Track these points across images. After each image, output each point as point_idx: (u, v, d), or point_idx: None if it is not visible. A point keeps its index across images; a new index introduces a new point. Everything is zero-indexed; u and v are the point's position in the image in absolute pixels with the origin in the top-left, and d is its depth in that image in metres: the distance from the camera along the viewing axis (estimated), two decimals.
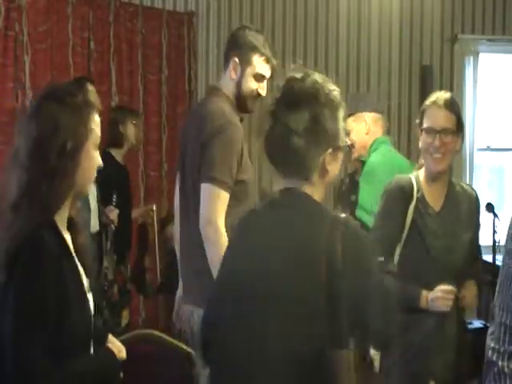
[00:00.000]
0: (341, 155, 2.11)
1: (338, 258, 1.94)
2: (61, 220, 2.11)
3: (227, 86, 3.36)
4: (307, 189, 2.09)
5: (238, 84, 3.34)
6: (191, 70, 6.26)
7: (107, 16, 5.85)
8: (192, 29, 6.25)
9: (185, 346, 3.09)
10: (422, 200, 3.04)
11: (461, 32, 6.91)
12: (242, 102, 3.34)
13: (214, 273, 2.93)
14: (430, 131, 3.01)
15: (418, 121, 3.08)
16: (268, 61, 3.37)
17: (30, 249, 1.98)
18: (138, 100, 5.98)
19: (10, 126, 5.26)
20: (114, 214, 4.99)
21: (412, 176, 3.10)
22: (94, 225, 4.83)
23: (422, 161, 3.13)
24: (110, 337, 2.38)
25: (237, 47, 3.37)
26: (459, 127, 3.06)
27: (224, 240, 3.02)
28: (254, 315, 2.03)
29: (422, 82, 6.81)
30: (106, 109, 5.78)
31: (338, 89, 2.13)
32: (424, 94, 6.74)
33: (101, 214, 4.91)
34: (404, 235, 3.00)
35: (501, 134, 7.06)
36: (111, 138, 5.27)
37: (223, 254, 2.87)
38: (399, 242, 3.00)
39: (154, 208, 5.63)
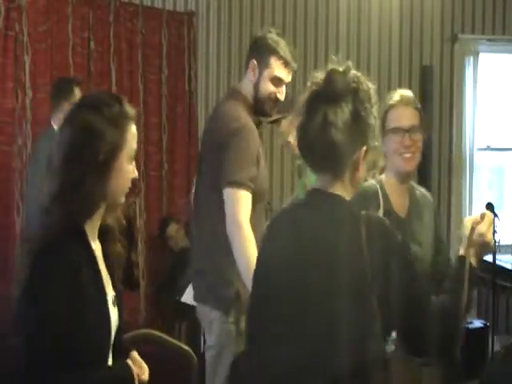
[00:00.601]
0: (370, 155, 2.09)
1: (367, 254, 1.93)
2: (91, 228, 2.09)
3: (246, 87, 3.35)
4: (337, 186, 2.05)
5: (256, 86, 3.32)
6: (191, 69, 6.26)
7: (107, 16, 5.85)
8: (192, 29, 6.25)
9: (185, 346, 3.09)
10: (387, 207, 2.90)
11: (461, 32, 6.91)
12: (260, 104, 3.32)
13: (242, 274, 2.98)
14: (399, 131, 2.88)
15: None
16: (286, 65, 3.35)
17: (50, 253, 1.98)
18: (138, 100, 5.98)
19: (10, 126, 5.27)
20: None
21: (375, 182, 2.94)
22: None
23: (381, 164, 2.96)
24: (135, 355, 2.36)
25: (256, 49, 3.35)
26: (422, 124, 2.97)
27: (250, 241, 3.01)
28: (292, 314, 2.01)
29: (421, 81, 6.81)
30: None
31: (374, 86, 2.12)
32: (424, 94, 6.75)
33: None
34: None
35: (501, 133, 7.06)
36: None
37: (251, 254, 2.90)
38: None
39: (136, 202, 5.60)
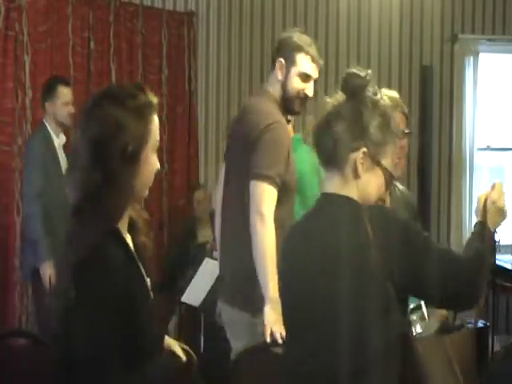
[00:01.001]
0: (378, 171, 2.13)
1: (376, 247, 2.00)
2: (122, 224, 2.05)
3: (273, 87, 3.35)
4: (343, 186, 2.11)
5: (284, 85, 3.32)
6: (191, 69, 6.26)
7: (107, 16, 5.86)
8: (192, 29, 6.26)
9: (185, 346, 3.08)
10: None
11: (461, 32, 6.91)
12: (288, 102, 3.31)
13: (256, 264, 3.01)
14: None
15: None
16: (313, 60, 3.32)
17: (96, 263, 1.92)
18: None
19: (10, 126, 5.27)
20: None
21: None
22: None
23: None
24: (166, 338, 2.35)
25: (282, 48, 3.36)
26: (408, 128, 2.97)
27: (269, 232, 3.03)
28: (309, 319, 2.09)
29: (421, 82, 6.81)
30: None
31: (389, 103, 2.23)
32: (424, 94, 6.76)
33: None
34: None
35: (501, 133, 7.06)
36: None
37: (268, 246, 2.96)
38: None
39: None
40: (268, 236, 3.02)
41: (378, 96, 2.16)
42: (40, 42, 5.43)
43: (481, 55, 6.92)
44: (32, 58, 5.36)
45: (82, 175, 1.97)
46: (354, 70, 2.19)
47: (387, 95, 2.88)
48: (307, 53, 3.30)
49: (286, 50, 3.34)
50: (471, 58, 6.88)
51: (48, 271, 4.63)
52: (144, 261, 2.12)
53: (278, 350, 2.86)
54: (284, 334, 2.92)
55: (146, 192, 2.10)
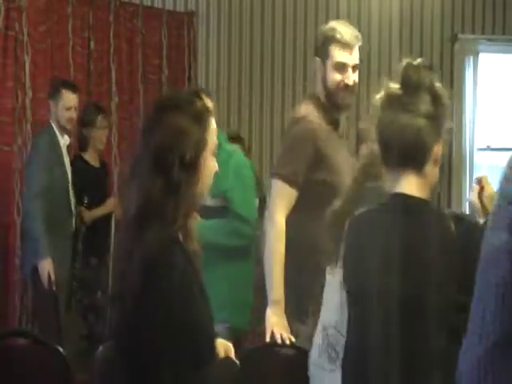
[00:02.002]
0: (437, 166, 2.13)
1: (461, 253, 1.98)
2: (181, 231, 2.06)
3: (317, 88, 3.27)
4: (419, 187, 2.10)
5: (324, 82, 3.22)
6: (191, 69, 6.26)
7: (107, 16, 5.86)
8: (192, 29, 6.26)
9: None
10: None
11: (461, 32, 6.91)
12: (331, 98, 3.20)
13: (264, 265, 3.01)
14: None
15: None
16: (346, 47, 3.18)
17: (163, 267, 1.93)
18: (138, 100, 5.98)
19: (10, 126, 5.27)
20: (85, 215, 5.09)
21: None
22: (73, 225, 4.95)
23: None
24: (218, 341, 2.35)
25: (316, 47, 3.28)
26: None
27: (277, 235, 3.00)
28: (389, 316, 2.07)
29: None
30: (105, 109, 5.79)
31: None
32: None
33: (77, 216, 5.01)
34: None
35: (501, 133, 7.06)
36: (77, 141, 5.31)
37: (275, 249, 2.95)
38: None
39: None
40: (276, 239, 3.00)
41: (438, 85, 2.12)
42: (40, 42, 5.43)
43: (481, 55, 6.92)
44: (32, 58, 5.36)
45: (143, 182, 1.98)
46: (415, 63, 2.14)
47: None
48: (338, 41, 3.18)
49: (319, 47, 3.25)
50: (471, 58, 6.88)
51: (46, 268, 4.65)
52: (198, 267, 2.12)
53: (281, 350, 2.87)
54: (285, 336, 2.93)
55: (204, 197, 2.12)
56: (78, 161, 5.19)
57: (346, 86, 3.19)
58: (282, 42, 6.57)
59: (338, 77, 3.19)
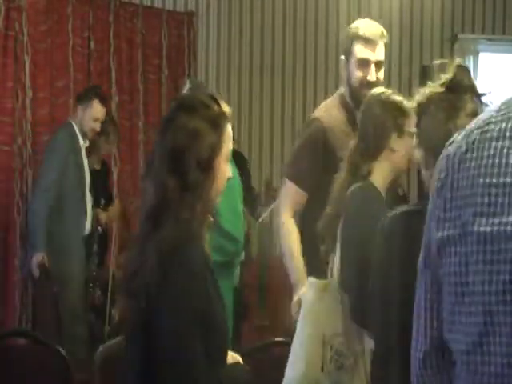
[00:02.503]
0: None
1: None
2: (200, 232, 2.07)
3: (344, 87, 3.26)
4: None
5: (348, 80, 3.21)
6: (191, 69, 6.26)
7: (107, 16, 5.85)
8: (192, 29, 6.25)
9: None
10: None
11: (461, 32, 6.91)
12: (355, 96, 3.14)
13: (284, 261, 3.09)
14: (411, 134, 2.73)
15: (400, 121, 2.80)
16: (368, 42, 3.16)
17: (180, 267, 1.94)
18: (137, 100, 5.98)
19: (10, 126, 5.27)
20: (101, 216, 5.17)
21: (367, 186, 2.79)
22: (88, 228, 4.97)
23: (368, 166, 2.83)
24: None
25: (342, 46, 3.29)
26: None
27: (284, 233, 3.09)
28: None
29: (422, 82, 6.81)
30: (107, 109, 5.79)
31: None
32: None
33: (94, 217, 5.05)
34: None
35: None
36: None
37: (286, 243, 3.05)
38: None
39: (133, 201, 5.56)
40: (285, 238, 3.09)
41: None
42: (40, 41, 5.43)
43: (481, 55, 6.91)
44: (32, 58, 5.36)
45: (159, 181, 2.00)
46: (460, 64, 2.21)
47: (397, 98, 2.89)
48: (360, 37, 3.16)
49: (343, 45, 3.25)
50: (471, 58, 6.88)
51: (39, 261, 4.67)
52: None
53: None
54: None
55: (218, 200, 2.13)
56: None
57: (369, 82, 3.15)
58: (282, 41, 6.57)
59: (360, 74, 3.16)
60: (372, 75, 3.17)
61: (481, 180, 1.26)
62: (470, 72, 2.20)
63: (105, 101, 5.12)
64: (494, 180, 1.24)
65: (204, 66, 6.38)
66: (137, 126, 5.97)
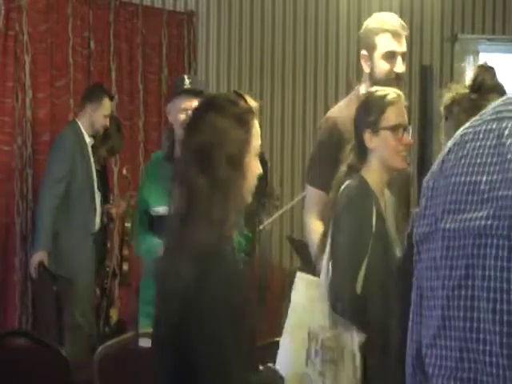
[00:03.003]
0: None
1: None
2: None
3: (365, 82, 3.21)
4: None
5: (372, 74, 3.16)
6: (191, 69, 6.25)
7: (107, 16, 5.85)
8: (192, 29, 6.25)
9: None
10: (376, 204, 2.79)
11: (461, 32, 6.91)
12: None
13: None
14: (399, 128, 2.81)
15: (371, 118, 2.81)
16: (394, 34, 3.13)
17: (216, 273, 1.92)
18: (138, 100, 5.98)
19: (10, 126, 5.27)
20: (113, 211, 5.23)
21: (358, 179, 2.81)
22: (98, 224, 5.00)
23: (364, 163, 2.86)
24: None
25: (362, 40, 3.23)
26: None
27: (308, 230, 3.15)
28: None
29: (422, 81, 6.81)
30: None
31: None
32: (424, 94, 6.74)
33: (103, 214, 5.09)
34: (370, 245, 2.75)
35: None
36: None
37: (312, 246, 3.04)
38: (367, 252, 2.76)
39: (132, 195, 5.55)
40: (309, 238, 3.13)
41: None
42: (40, 41, 5.43)
43: (481, 55, 6.91)
44: (32, 58, 5.36)
45: (188, 182, 1.98)
46: (485, 65, 2.22)
47: (395, 91, 2.89)
48: (385, 30, 3.13)
49: (364, 40, 3.20)
50: (471, 58, 6.88)
51: (39, 260, 4.68)
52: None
53: None
54: None
55: (250, 198, 2.10)
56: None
57: (397, 74, 3.13)
58: (282, 41, 6.57)
59: (387, 66, 3.13)
60: (399, 66, 3.15)
61: (453, 179, 1.31)
62: (494, 72, 2.19)
63: (112, 97, 5.24)
64: (463, 178, 1.29)
65: (204, 66, 6.37)
66: (137, 126, 5.97)
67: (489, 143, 1.28)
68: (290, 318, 2.81)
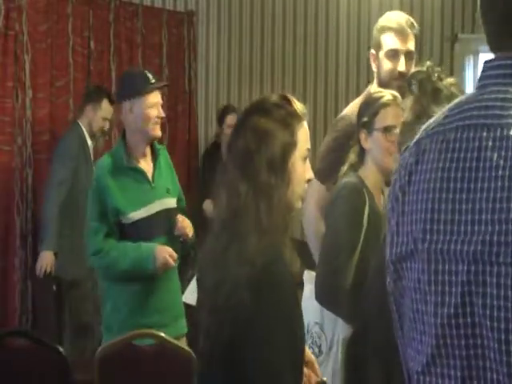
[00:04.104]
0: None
1: None
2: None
3: (375, 83, 3.20)
4: None
5: (378, 73, 3.16)
6: (191, 69, 6.26)
7: (107, 16, 5.85)
8: (192, 29, 6.25)
9: (185, 347, 3.09)
10: (371, 203, 2.82)
11: (461, 32, 6.91)
12: (385, 89, 3.03)
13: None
14: (392, 129, 2.80)
15: (365, 119, 2.84)
16: (397, 33, 3.12)
17: (271, 279, 1.86)
18: None
19: (10, 126, 5.26)
20: None
21: (355, 178, 2.84)
22: None
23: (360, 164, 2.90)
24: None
25: (372, 40, 3.23)
26: None
27: (306, 221, 3.13)
28: None
29: None
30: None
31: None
32: None
33: None
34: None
35: None
36: None
37: (311, 239, 3.06)
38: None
39: None
40: (307, 230, 3.14)
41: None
42: (40, 41, 5.43)
43: (481, 55, 6.91)
44: (32, 58, 5.36)
45: (232, 189, 1.93)
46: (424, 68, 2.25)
47: (391, 92, 2.90)
48: (389, 29, 3.13)
49: (373, 39, 3.21)
50: (471, 58, 6.88)
51: (47, 260, 4.66)
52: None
53: None
54: None
55: (300, 203, 2.03)
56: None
57: (400, 73, 3.09)
58: (282, 41, 6.57)
59: (389, 65, 3.11)
60: (401, 66, 3.10)
61: (430, 195, 1.23)
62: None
63: (113, 101, 5.14)
64: (444, 195, 1.22)
65: (204, 66, 6.37)
66: None
67: (469, 155, 1.20)
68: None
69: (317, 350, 2.75)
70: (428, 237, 1.23)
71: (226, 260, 1.87)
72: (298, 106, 2.05)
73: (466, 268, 1.18)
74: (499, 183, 1.15)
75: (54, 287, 4.75)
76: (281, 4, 6.56)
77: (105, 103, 5.08)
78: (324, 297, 2.71)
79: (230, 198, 1.93)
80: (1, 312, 5.23)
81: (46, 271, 4.72)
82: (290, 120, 2.00)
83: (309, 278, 2.92)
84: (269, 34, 6.50)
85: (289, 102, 2.04)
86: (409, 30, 3.14)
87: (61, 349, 3.11)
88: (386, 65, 3.12)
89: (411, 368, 1.29)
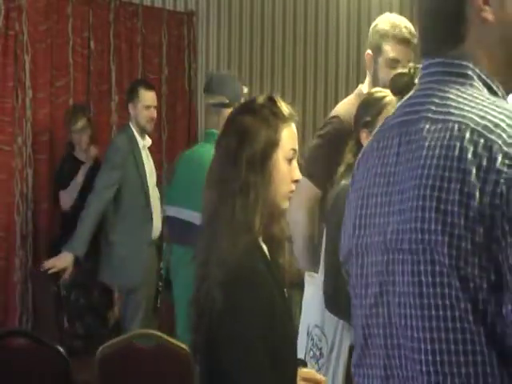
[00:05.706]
0: None
1: None
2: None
3: (367, 83, 3.17)
4: None
5: (374, 76, 3.13)
6: (191, 69, 6.26)
7: (107, 15, 5.85)
8: (192, 29, 6.26)
9: (185, 346, 3.09)
10: None
11: None
12: None
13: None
14: None
15: (367, 119, 2.81)
16: (401, 41, 3.06)
17: (246, 277, 1.88)
18: None
19: (10, 126, 5.27)
20: None
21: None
22: (156, 231, 4.84)
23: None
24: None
25: (369, 38, 3.17)
26: None
27: (292, 220, 2.96)
28: None
29: None
30: (105, 109, 5.79)
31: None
32: None
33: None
34: None
35: None
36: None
37: (300, 244, 2.99)
38: None
39: None
40: (293, 231, 3.03)
41: None
42: (40, 41, 5.43)
43: None
44: (32, 58, 5.36)
45: (211, 187, 1.96)
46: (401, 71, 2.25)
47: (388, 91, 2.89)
48: (393, 36, 3.07)
49: (372, 40, 3.15)
50: None
51: (60, 260, 4.45)
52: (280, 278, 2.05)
53: None
54: None
55: (285, 204, 2.03)
56: (67, 158, 5.23)
57: None
58: (282, 41, 6.57)
59: (387, 73, 3.04)
60: None
61: (360, 192, 1.31)
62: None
63: (151, 86, 5.04)
64: (366, 191, 1.29)
65: (204, 66, 6.37)
66: None
67: (392, 151, 1.26)
68: (303, 319, 2.84)
69: (318, 352, 2.74)
70: (357, 232, 1.30)
71: (207, 259, 1.91)
72: (284, 107, 2.05)
73: (381, 258, 1.23)
74: (407, 174, 1.20)
75: (55, 288, 4.74)
76: (281, 4, 6.56)
77: (143, 92, 4.92)
78: (334, 306, 2.66)
79: (212, 197, 1.95)
80: (1, 312, 5.24)
81: (48, 270, 4.67)
82: (273, 119, 2.00)
83: (310, 280, 2.89)
84: (269, 34, 6.51)
85: (274, 102, 2.04)
86: (411, 39, 3.10)
87: (61, 349, 3.11)
88: (385, 73, 3.08)
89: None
